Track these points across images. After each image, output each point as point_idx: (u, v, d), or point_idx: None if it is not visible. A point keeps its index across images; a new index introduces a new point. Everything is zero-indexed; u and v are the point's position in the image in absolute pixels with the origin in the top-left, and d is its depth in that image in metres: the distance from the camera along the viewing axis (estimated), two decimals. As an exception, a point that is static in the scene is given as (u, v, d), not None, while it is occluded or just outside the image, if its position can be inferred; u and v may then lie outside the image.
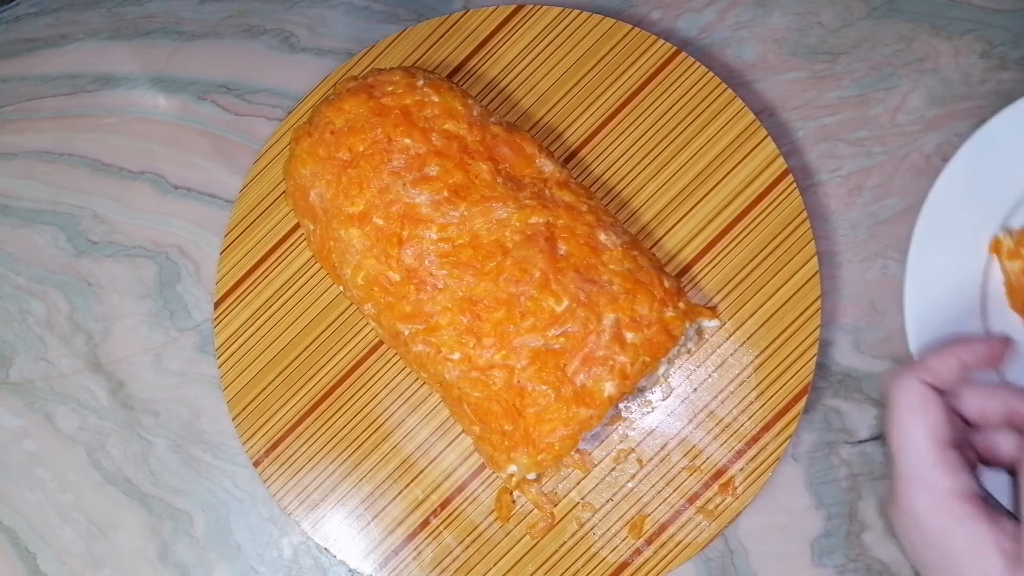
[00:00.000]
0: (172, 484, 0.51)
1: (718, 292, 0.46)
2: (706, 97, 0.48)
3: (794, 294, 0.45)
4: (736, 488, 0.44)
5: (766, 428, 0.44)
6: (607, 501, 0.45)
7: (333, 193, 0.45)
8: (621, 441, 0.46)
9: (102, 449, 0.52)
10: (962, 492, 0.35)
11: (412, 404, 0.48)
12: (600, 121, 0.49)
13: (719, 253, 0.47)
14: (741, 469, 0.44)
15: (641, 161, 0.48)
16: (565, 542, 0.45)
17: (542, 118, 0.50)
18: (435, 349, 0.43)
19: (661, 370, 0.45)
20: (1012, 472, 0.39)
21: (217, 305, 0.50)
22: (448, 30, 0.51)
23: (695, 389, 0.46)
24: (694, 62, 0.48)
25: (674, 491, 0.45)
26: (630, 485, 0.45)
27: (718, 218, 0.47)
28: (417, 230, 0.43)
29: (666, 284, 0.43)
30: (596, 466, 0.46)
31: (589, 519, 0.45)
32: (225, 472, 0.51)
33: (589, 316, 0.41)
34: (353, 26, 0.55)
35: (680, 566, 0.44)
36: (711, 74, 0.48)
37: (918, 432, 0.36)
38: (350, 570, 0.48)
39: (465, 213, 0.43)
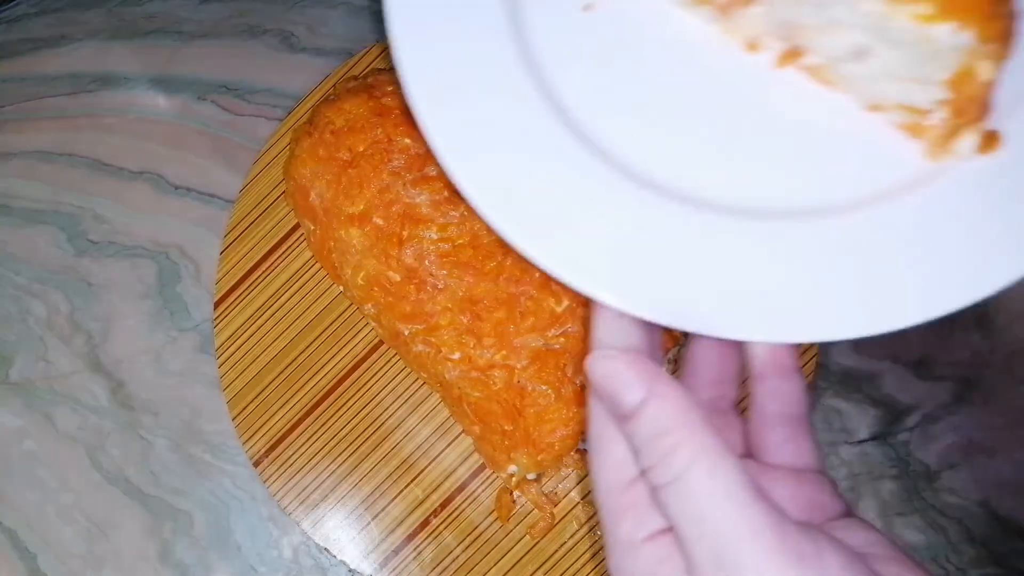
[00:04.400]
0: (172, 484, 0.51)
1: (718, 292, 0.46)
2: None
3: (794, 294, 0.45)
4: (736, 488, 0.44)
5: (766, 428, 0.44)
6: (607, 501, 0.45)
7: (333, 193, 0.45)
8: (621, 441, 0.46)
9: (102, 449, 0.52)
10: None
11: (412, 404, 0.48)
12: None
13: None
14: (741, 469, 0.44)
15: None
16: (565, 542, 0.45)
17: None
18: (435, 349, 0.43)
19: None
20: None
21: (217, 305, 0.50)
22: (448, 30, 0.51)
23: (695, 389, 0.45)
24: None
25: (674, 491, 0.45)
26: (630, 485, 0.45)
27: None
28: (417, 230, 0.43)
29: None
30: (596, 466, 0.46)
31: (589, 519, 0.45)
32: (225, 472, 0.51)
33: (589, 315, 0.41)
34: (353, 26, 0.55)
35: (680, 566, 0.44)
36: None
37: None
38: (350, 570, 0.48)
39: (465, 213, 0.43)
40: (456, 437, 0.47)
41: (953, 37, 0.29)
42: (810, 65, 0.34)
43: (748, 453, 0.33)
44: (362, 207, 0.44)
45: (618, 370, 0.27)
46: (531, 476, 0.43)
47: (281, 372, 0.49)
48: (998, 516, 0.46)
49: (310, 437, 0.48)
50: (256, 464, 0.48)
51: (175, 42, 0.57)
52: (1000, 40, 0.30)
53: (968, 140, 0.32)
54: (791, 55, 0.34)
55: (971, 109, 0.31)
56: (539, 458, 0.42)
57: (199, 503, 0.51)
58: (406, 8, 0.35)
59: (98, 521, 0.51)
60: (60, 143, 0.56)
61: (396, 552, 0.47)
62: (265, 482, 0.48)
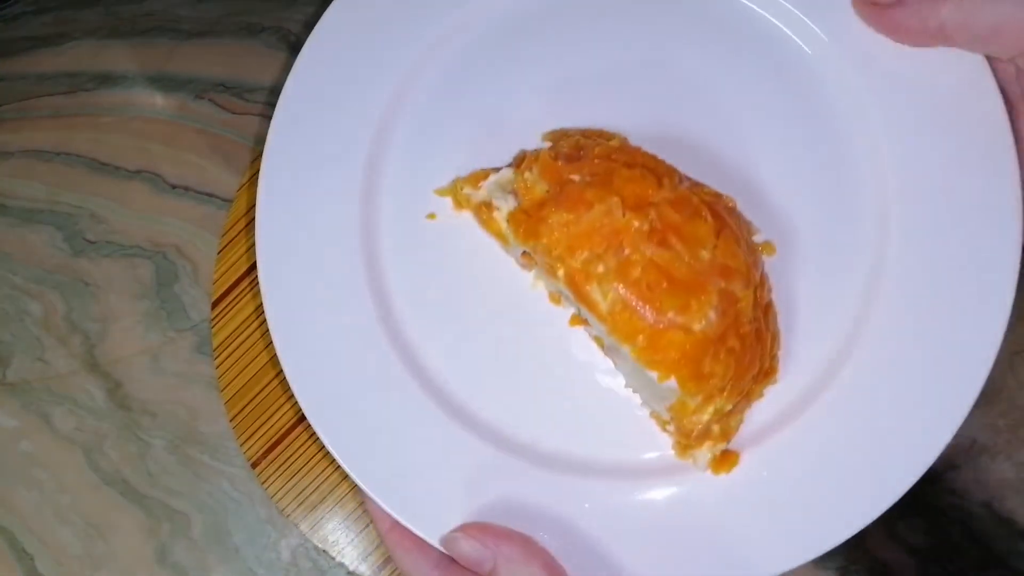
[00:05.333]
0: (169, 485, 0.51)
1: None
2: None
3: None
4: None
5: (768, 429, 0.44)
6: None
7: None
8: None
9: (99, 450, 0.52)
10: None
11: (411, 405, 0.48)
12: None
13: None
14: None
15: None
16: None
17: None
18: None
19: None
20: None
21: (215, 305, 0.50)
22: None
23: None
24: None
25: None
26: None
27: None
28: None
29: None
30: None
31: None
32: (223, 473, 0.51)
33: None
34: (352, 24, 0.55)
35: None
36: None
37: None
38: (349, 572, 0.48)
39: None
40: (455, 438, 0.47)
41: (662, 381, 0.31)
42: (592, 334, 0.36)
43: None
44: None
45: (469, 546, 0.33)
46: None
47: (279, 373, 0.49)
48: (1000, 517, 0.46)
49: (309, 438, 0.48)
50: (254, 465, 0.48)
51: (173, 40, 0.57)
52: (714, 395, 0.31)
53: (704, 455, 0.33)
54: (579, 320, 0.36)
55: (690, 439, 0.33)
56: None
57: (197, 504, 0.50)
58: (272, 231, 0.38)
59: (95, 522, 0.51)
60: (57, 142, 0.56)
61: (395, 554, 0.46)
62: (263, 483, 0.48)
